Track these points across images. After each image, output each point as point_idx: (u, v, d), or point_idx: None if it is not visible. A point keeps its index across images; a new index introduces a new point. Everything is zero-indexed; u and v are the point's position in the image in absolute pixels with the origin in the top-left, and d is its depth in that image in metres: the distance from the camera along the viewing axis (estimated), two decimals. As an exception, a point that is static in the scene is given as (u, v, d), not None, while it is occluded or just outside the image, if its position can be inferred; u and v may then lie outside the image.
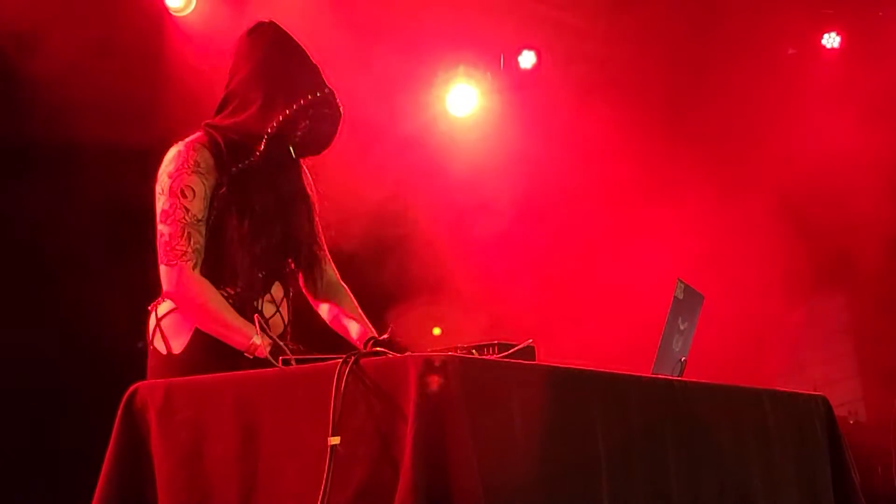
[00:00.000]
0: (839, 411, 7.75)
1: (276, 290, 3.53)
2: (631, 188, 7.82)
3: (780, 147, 7.84)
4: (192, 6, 6.55)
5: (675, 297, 3.44)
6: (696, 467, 3.18)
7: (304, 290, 3.75)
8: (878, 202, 7.90)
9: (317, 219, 3.71)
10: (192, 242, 3.31)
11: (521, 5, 7.72)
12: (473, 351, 2.91)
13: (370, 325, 3.72)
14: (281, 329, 3.54)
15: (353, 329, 3.70)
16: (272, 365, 2.86)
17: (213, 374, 2.96)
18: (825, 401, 3.99)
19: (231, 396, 2.77)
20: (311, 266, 3.67)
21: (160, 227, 3.35)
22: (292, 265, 3.63)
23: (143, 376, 3.24)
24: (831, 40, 8.28)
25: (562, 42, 8.00)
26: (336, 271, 3.81)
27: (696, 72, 7.81)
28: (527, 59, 8.09)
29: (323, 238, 3.74)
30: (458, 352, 2.85)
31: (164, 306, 3.42)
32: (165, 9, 6.53)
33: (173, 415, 2.83)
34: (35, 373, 5.92)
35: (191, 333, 3.36)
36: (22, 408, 5.80)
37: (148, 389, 2.89)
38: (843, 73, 8.17)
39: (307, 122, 3.43)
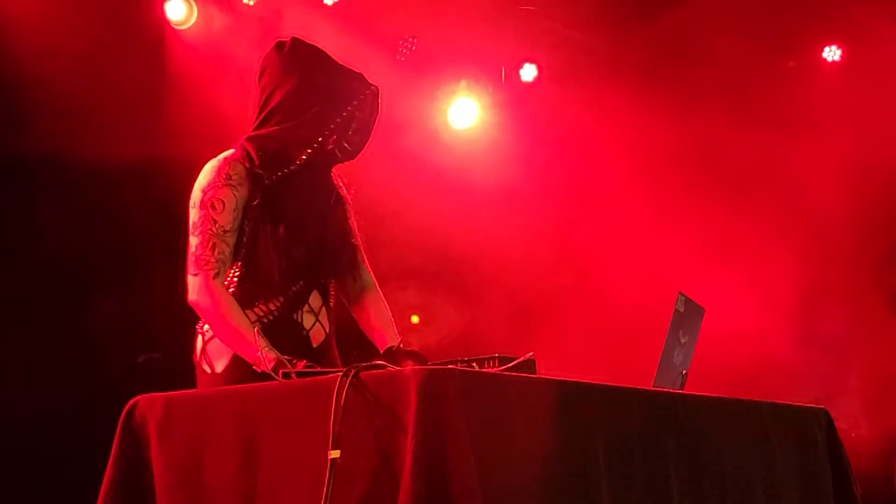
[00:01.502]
0: (840, 424, 7.72)
1: (315, 299, 3.56)
2: (631, 201, 7.82)
3: (781, 159, 7.84)
4: (193, 19, 6.57)
5: (675, 310, 3.43)
6: (698, 481, 3.17)
7: (350, 309, 3.77)
8: (879, 215, 7.90)
9: (352, 220, 3.74)
10: (216, 252, 3.36)
11: (523, 19, 7.73)
12: (474, 364, 2.91)
13: (396, 334, 3.73)
14: (322, 338, 3.56)
15: (381, 339, 3.71)
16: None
17: (213, 388, 2.96)
18: (826, 413, 3.98)
19: (231, 410, 2.76)
20: (347, 270, 3.71)
21: (190, 239, 3.41)
22: (330, 271, 3.65)
23: (142, 390, 3.22)
24: (832, 53, 8.28)
25: (563, 56, 8.02)
26: (372, 274, 3.82)
27: (696, 85, 7.82)
28: (528, 73, 8.10)
29: (359, 239, 3.77)
30: (459, 365, 2.85)
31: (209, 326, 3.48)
32: (167, 22, 6.55)
33: (173, 428, 2.82)
34: (34, 385, 5.91)
35: (231, 355, 3.41)
36: (21, 421, 5.79)
37: (147, 403, 2.89)
38: (844, 86, 8.17)
39: (355, 124, 3.53)
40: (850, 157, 7.65)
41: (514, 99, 8.13)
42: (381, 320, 3.74)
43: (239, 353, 3.34)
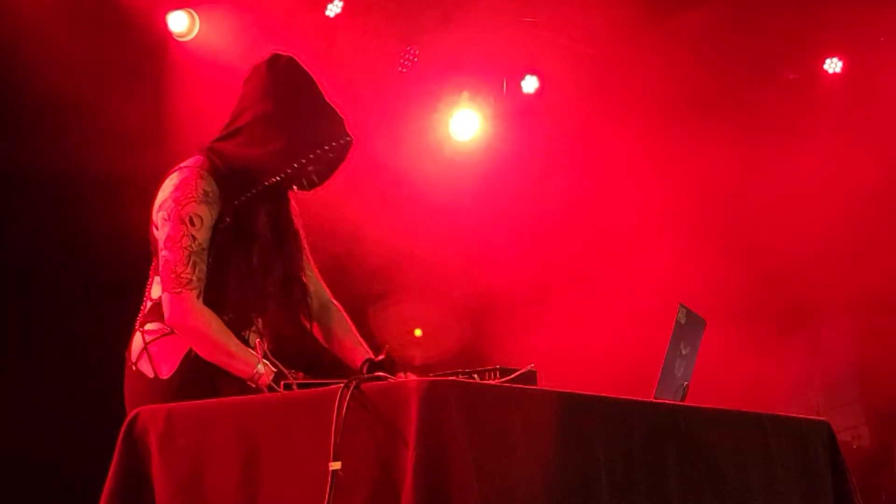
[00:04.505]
0: (842, 436, 7.73)
1: (259, 323, 3.52)
2: (633, 213, 7.83)
3: (782, 171, 7.84)
4: (196, 31, 6.58)
5: (677, 321, 3.43)
6: (699, 493, 3.17)
7: (313, 329, 3.74)
8: (881, 228, 7.89)
9: (304, 244, 3.71)
10: (196, 271, 3.30)
11: (524, 30, 7.74)
12: (475, 375, 2.91)
13: (365, 345, 3.72)
14: None
15: (349, 350, 3.70)
16: (271, 391, 2.86)
17: (215, 399, 2.96)
18: (827, 426, 3.98)
19: (232, 422, 2.77)
20: (303, 295, 3.67)
21: (164, 254, 3.33)
22: (282, 298, 3.61)
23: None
24: (833, 65, 8.28)
25: (565, 67, 8.02)
26: (328, 291, 3.80)
27: (696, 97, 7.83)
28: (530, 84, 8.11)
29: (311, 259, 3.74)
30: (460, 376, 2.85)
31: (153, 328, 3.40)
32: (169, 34, 6.56)
33: (174, 440, 2.82)
34: (35, 395, 5.91)
35: (180, 359, 3.35)
36: (21, 432, 5.79)
37: (149, 414, 2.89)
38: (845, 97, 8.17)
39: (322, 166, 3.49)
40: (851, 168, 7.65)
41: (516, 110, 8.14)
42: (345, 333, 3.74)
43: (233, 373, 3.29)
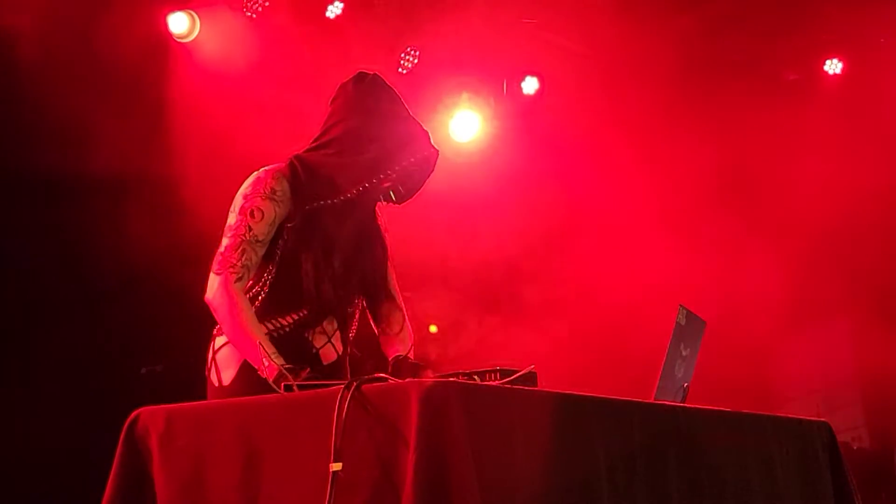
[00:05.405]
0: (843, 437, 7.73)
1: (329, 324, 3.59)
2: (633, 213, 7.83)
3: (782, 173, 7.84)
4: (196, 32, 6.59)
5: (677, 322, 3.43)
6: (699, 494, 3.17)
7: (374, 329, 3.81)
8: (881, 229, 7.89)
9: (389, 261, 3.80)
10: (243, 258, 3.41)
11: (524, 31, 7.75)
12: (475, 377, 2.91)
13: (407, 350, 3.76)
14: (334, 358, 3.61)
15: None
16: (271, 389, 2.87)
17: (216, 400, 2.97)
18: (828, 427, 3.98)
19: (233, 422, 2.77)
20: (380, 307, 3.77)
21: (222, 240, 3.45)
22: (359, 304, 3.72)
23: (144, 402, 3.23)
24: (833, 66, 8.27)
25: (565, 68, 8.03)
26: (405, 312, 3.85)
27: (697, 98, 7.83)
28: (530, 85, 8.11)
29: (394, 279, 3.82)
30: (460, 378, 2.85)
31: (221, 338, 3.51)
32: (170, 35, 6.56)
33: (175, 440, 2.83)
34: (36, 397, 5.91)
35: (238, 366, 3.43)
36: (22, 433, 5.79)
37: (150, 415, 2.89)
38: (846, 99, 8.17)
39: (408, 177, 3.58)
40: (852, 168, 7.64)
41: (516, 111, 8.14)
42: (402, 344, 3.79)
43: (247, 358, 3.36)
